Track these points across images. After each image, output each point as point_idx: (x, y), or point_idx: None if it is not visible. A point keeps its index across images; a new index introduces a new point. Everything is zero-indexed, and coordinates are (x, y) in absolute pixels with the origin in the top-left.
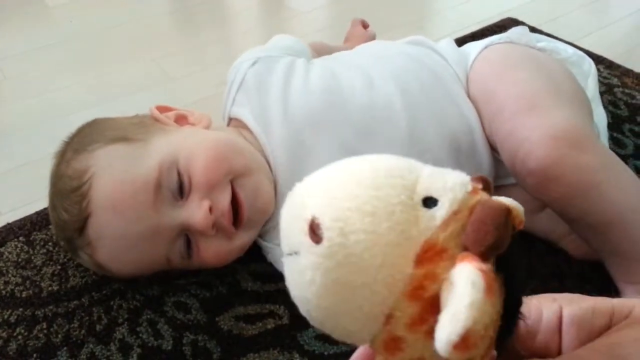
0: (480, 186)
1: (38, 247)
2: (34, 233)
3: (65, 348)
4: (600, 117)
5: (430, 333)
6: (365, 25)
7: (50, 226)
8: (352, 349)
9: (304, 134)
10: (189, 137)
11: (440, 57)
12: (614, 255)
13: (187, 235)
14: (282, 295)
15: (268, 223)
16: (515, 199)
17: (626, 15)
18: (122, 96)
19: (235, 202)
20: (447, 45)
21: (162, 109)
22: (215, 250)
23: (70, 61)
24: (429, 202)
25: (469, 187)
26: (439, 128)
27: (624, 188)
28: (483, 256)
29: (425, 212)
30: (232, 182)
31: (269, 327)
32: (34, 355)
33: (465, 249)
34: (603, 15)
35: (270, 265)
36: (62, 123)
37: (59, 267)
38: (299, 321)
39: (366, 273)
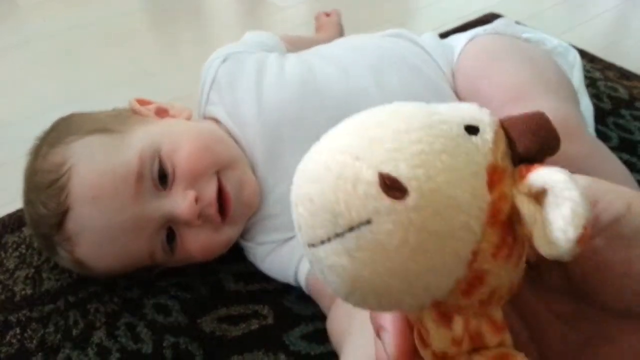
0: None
1: (10, 250)
2: (6, 236)
3: (40, 354)
4: (587, 107)
5: (509, 257)
6: (327, 14)
7: (23, 228)
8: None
9: (281, 128)
10: (171, 127)
11: (421, 50)
12: None
13: (170, 228)
14: (266, 295)
15: (249, 220)
16: None
17: (605, 10)
18: (96, 94)
19: (220, 195)
20: (429, 38)
21: (142, 102)
22: (201, 242)
23: (42, 60)
24: (471, 129)
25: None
26: None
27: (611, 176)
28: (542, 160)
29: (476, 139)
30: (218, 174)
31: (253, 327)
32: None
33: (516, 162)
34: (583, 10)
35: (253, 265)
36: (34, 123)
37: (33, 270)
38: (284, 321)
39: (463, 211)
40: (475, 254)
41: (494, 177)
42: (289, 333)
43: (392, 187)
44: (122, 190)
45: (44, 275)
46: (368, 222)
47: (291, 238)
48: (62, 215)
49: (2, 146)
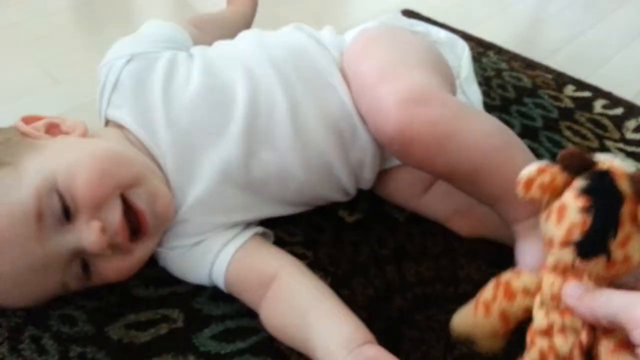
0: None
1: None
2: None
3: None
4: (475, 94)
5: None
6: None
7: None
8: (249, 345)
9: (191, 136)
10: (64, 152)
11: (318, 44)
12: (496, 200)
13: (82, 257)
14: (176, 298)
15: None
16: (402, 179)
17: (513, 3)
18: (12, 99)
19: (132, 214)
20: (327, 32)
21: (30, 120)
22: (115, 269)
23: None
24: None
25: None
26: (321, 116)
27: (481, 132)
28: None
29: None
30: (123, 195)
31: (162, 332)
32: None
33: None
34: (497, 4)
35: (164, 269)
36: None
37: None
38: (193, 323)
39: None
40: None
41: None
42: (198, 335)
43: None
44: (22, 233)
45: None
46: None
47: (202, 241)
48: None
49: None
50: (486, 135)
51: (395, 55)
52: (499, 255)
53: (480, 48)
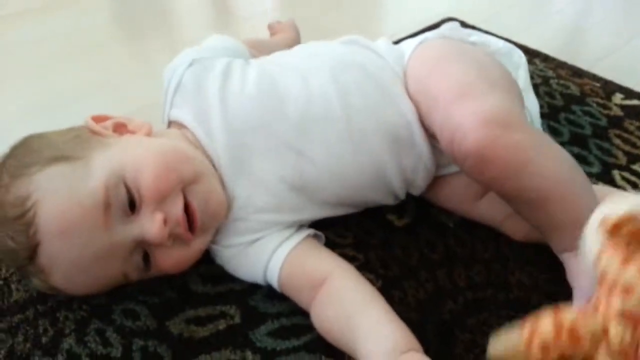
0: None
1: None
2: None
3: None
4: (533, 104)
5: None
6: (279, 22)
7: None
8: (303, 343)
9: (245, 137)
10: (131, 148)
11: (376, 56)
12: (552, 228)
13: (143, 248)
14: (233, 295)
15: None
16: (457, 186)
17: (557, 11)
18: (63, 106)
19: (187, 209)
20: (383, 43)
21: (99, 119)
22: (174, 259)
23: (8, 72)
24: None
25: None
26: (377, 123)
27: (555, 163)
28: None
29: None
30: (183, 190)
31: (220, 327)
32: None
33: None
34: (536, 12)
35: (221, 266)
36: (1, 137)
37: (1, 282)
38: (250, 320)
39: None
40: None
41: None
42: (255, 331)
43: None
44: (90, 222)
45: (13, 286)
46: None
47: (258, 239)
48: (32, 249)
49: None
50: (558, 168)
51: (469, 73)
52: (550, 262)
53: (526, 56)
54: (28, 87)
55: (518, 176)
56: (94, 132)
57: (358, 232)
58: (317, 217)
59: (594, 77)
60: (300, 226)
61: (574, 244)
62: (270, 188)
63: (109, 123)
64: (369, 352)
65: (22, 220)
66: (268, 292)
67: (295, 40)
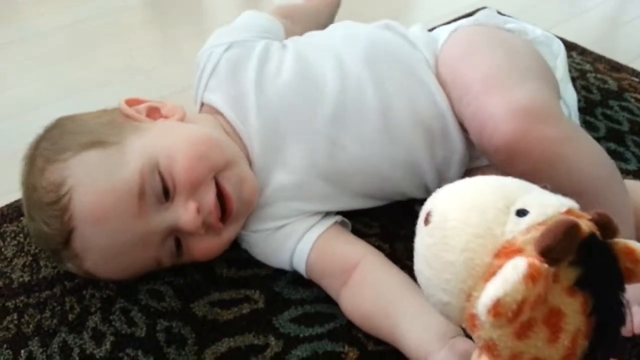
0: (588, 216)
1: (9, 239)
2: (5, 225)
3: (36, 338)
4: (571, 96)
5: (499, 315)
6: None
7: (22, 218)
8: (327, 331)
9: (279, 124)
10: (165, 134)
11: (409, 45)
12: None
13: (175, 235)
14: (257, 280)
15: None
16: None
17: (596, 4)
18: (93, 89)
19: (221, 196)
20: (418, 30)
21: (132, 102)
22: (205, 248)
23: (40, 56)
24: (521, 213)
25: (563, 209)
26: (411, 113)
27: (590, 158)
28: (541, 255)
29: (513, 219)
30: (216, 177)
31: (244, 311)
32: (4, 345)
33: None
34: (574, 4)
35: (245, 251)
36: (32, 117)
37: (30, 258)
38: (274, 305)
39: (452, 252)
40: (469, 296)
41: (505, 250)
42: (278, 316)
43: (427, 218)
44: (124, 209)
45: (42, 263)
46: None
47: (284, 225)
48: (67, 234)
49: (1, 139)
50: (594, 163)
51: (502, 61)
52: None
53: None
54: (58, 71)
55: (551, 171)
56: (128, 116)
57: (385, 222)
58: (345, 208)
59: (633, 72)
60: (328, 213)
61: None
62: (301, 176)
63: (142, 107)
64: (417, 338)
65: (57, 205)
66: (292, 279)
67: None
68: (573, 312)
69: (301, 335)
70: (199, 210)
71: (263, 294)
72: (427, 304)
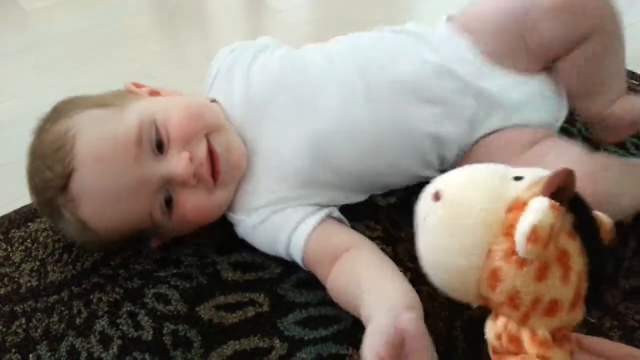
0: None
1: (17, 245)
2: (13, 231)
3: (44, 342)
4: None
5: (519, 262)
6: None
7: (29, 224)
8: (331, 333)
9: (264, 103)
10: (163, 101)
11: (408, 36)
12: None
13: (167, 191)
14: (262, 283)
15: (236, 191)
16: (497, 147)
17: (630, 24)
18: None
19: (211, 156)
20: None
21: (137, 86)
22: (194, 203)
23: (47, 64)
24: (518, 179)
25: (547, 173)
26: (393, 76)
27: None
28: (553, 196)
29: (514, 183)
30: (207, 137)
31: (249, 315)
32: (13, 350)
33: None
34: None
35: (251, 255)
36: None
37: (38, 263)
38: (278, 308)
39: (469, 216)
40: (489, 252)
41: (514, 204)
42: (283, 319)
43: (437, 196)
44: (123, 154)
45: (49, 267)
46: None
47: (283, 209)
48: (67, 177)
49: (8, 146)
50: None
51: None
52: None
53: None
54: (67, 76)
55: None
56: (132, 92)
57: (387, 226)
58: (343, 200)
59: (633, 75)
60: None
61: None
62: (288, 156)
63: (145, 89)
64: (371, 307)
65: (62, 150)
66: (297, 281)
67: None
68: (576, 254)
69: (306, 338)
70: (191, 159)
71: (268, 297)
72: (389, 276)
